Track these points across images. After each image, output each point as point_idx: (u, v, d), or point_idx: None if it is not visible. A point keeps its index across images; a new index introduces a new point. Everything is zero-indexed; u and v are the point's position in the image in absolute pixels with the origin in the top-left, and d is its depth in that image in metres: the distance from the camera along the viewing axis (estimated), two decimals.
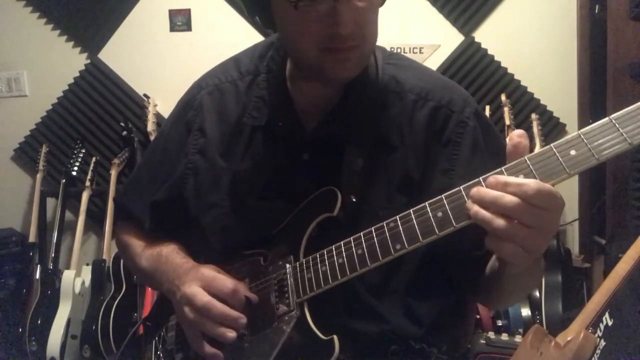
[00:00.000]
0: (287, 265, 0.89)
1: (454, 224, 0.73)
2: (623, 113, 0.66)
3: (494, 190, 0.69)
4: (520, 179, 0.68)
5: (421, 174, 0.93)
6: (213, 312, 0.86)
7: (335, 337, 0.81)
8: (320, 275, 0.84)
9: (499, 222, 0.68)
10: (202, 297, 0.87)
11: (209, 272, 0.91)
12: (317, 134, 0.95)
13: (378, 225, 0.80)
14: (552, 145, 0.69)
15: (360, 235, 0.82)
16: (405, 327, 0.94)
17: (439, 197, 0.75)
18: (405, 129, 0.94)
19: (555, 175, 0.68)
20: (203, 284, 0.89)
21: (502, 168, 0.71)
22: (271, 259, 0.93)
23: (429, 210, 0.75)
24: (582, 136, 0.67)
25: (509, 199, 0.67)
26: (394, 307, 0.94)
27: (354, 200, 0.90)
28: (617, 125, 0.66)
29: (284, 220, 0.94)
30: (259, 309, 0.89)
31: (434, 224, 0.74)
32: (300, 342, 0.84)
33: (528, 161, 0.69)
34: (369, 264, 0.80)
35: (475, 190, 0.70)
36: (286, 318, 0.85)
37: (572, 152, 0.67)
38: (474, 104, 0.98)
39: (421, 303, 0.96)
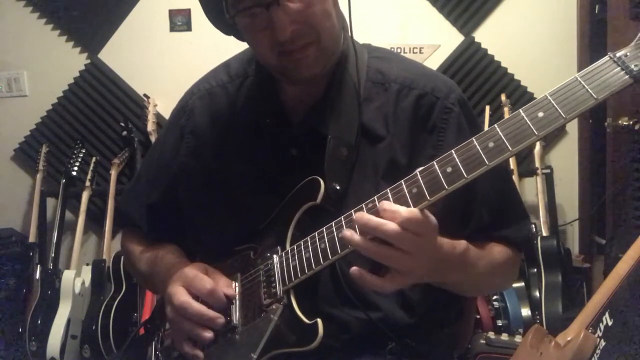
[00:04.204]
0: (274, 256, 0.90)
1: (428, 197, 0.74)
2: (588, 70, 0.68)
3: (375, 217, 0.74)
4: (396, 207, 0.74)
5: (408, 161, 0.95)
6: (189, 312, 0.87)
7: (319, 320, 0.81)
8: (305, 262, 0.85)
9: (371, 247, 0.75)
10: (180, 296, 0.88)
11: (190, 271, 0.92)
12: (303, 128, 0.98)
13: (357, 207, 0.81)
14: (520, 110, 0.70)
15: (341, 219, 0.82)
16: (397, 314, 0.95)
17: (414, 173, 0.76)
18: (390, 118, 0.96)
19: (525, 139, 0.69)
20: (184, 284, 0.90)
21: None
22: (260, 252, 0.94)
23: (404, 187, 0.77)
24: (549, 97, 0.69)
25: (381, 222, 0.73)
26: (385, 296, 0.94)
27: (338, 188, 0.91)
28: (582, 82, 0.68)
29: (272, 214, 0.96)
30: (249, 301, 0.90)
31: (409, 199, 0.75)
32: (288, 329, 0.85)
33: (497, 128, 0.71)
34: (349, 245, 0.80)
35: (358, 215, 0.76)
36: (274, 307, 0.86)
37: (540, 114, 0.69)
38: (458, 91, 1.00)
39: (414, 291, 0.96)
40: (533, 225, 2.49)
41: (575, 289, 2.38)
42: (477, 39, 2.71)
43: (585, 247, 2.67)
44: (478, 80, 2.71)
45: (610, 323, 1.05)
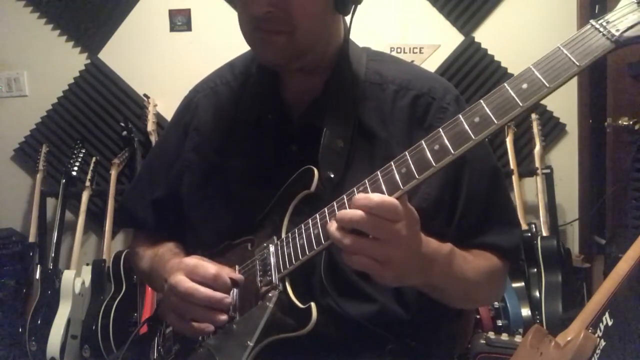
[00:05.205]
0: (271, 245, 0.91)
1: (417, 176, 0.74)
2: (571, 39, 0.69)
3: (348, 210, 0.75)
4: (366, 195, 0.74)
5: None
6: (196, 297, 0.87)
7: (312, 303, 0.81)
8: (299, 248, 0.85)
9: (347, 240, 0.74)
10: (185, 283, 0.88)
11: (190, 260, 0.93)
12: (302, 125, 1.00)
13: (349, 191, 0.81)
14: (505, 83, 0.71)
15: (334, 204, 0.83)
16: (393, 308, 0.95)
17: (403, 153, 0.77)
18: (387, 117, 0.98)
19: (510, 110, 0.70)
20: (186, 272, 0.90)
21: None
22: (257, 243, 0.95)
23: (394, 167, 0.77)
24: (532, 68, 0.70)
25: (355, 213, 0.73)
26: (381, 288, 0.94)
27: (332, 176, 0.92)
28: (564, 51, 0.68)
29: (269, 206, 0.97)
30: (246, 291, 0.90)
31: (399, 180, 0.76)
32: (283, 316, 0.85)
33: (482, 102, 0.72)
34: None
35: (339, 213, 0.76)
36: (269, 295, 0.86)
37: (524, 86, 0.69)
38: (454, 92, 1.01)
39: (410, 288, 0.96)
40: (533, 225, 2.50)
41: (575, 289, 2.39)
42: (477, 39, 2.71)
43: (585, 247, 2.67)
44: (478, 80, 2.71)
45: (610, 323, 1.06)
